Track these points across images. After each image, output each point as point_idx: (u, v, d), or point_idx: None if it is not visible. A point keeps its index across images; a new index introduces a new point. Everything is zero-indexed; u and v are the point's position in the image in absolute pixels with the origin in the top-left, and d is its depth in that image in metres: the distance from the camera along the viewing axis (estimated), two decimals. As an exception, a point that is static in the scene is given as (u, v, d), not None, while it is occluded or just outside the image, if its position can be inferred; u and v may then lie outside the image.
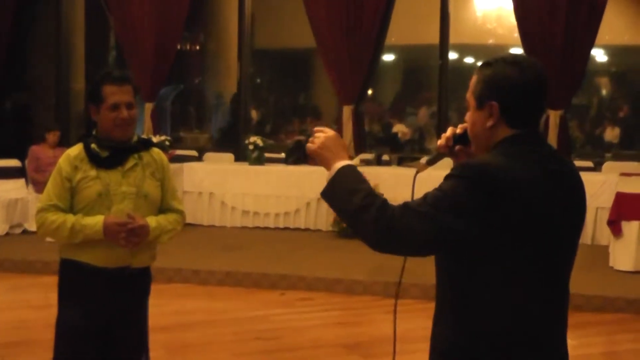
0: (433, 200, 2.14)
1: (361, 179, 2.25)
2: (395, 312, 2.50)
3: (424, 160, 2.49)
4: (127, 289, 3.51)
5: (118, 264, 3.46)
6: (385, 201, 2.17)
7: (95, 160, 3.47)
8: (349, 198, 2.20)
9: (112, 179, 3.46)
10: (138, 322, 3.64)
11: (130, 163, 3.51)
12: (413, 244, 2.16)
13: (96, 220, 3.38)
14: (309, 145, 2.37)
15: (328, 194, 2.28)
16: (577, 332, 6.21)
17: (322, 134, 2.37)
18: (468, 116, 2.36)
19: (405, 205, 2.15)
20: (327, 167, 2.31)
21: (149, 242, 3.51)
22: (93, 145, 3.49)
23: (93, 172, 3.45)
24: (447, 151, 2.47)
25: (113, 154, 3.49)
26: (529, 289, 2.21)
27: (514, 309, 2.19)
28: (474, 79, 2.33)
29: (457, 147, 2.46)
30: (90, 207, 3.43)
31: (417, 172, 2.42)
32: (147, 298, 3.70)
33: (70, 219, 3.40)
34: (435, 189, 2.17)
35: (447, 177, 2.19)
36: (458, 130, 2.44)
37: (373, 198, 2.18)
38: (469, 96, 2.34)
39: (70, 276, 3.51)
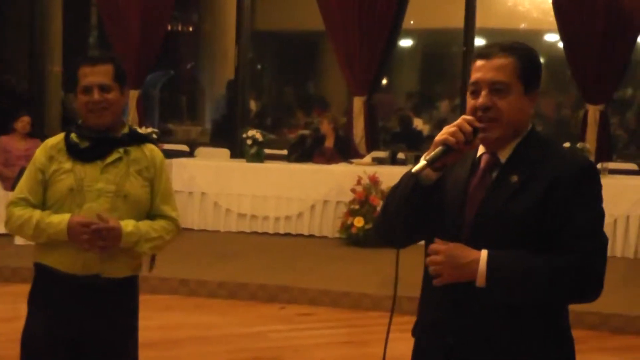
0: (599, 226, 2.42)
1: (517, 255, 2.38)
2: (387, 332, 2.52)
3: (423, 158, 2.42)
4: (98, 302, 3.39)
5: (86, 271, 3.36)
6: (554, 258, 2.36)
7: (72, 151, 3.42)
8: (531, 279, 2.36)
9: (87, 173, 3.39)
10: (117, 342, 3.49)
11: (112, 157, 3.43)
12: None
13: (61, 219, 3.31)
14: (440, 276, 2.45)
15: (505, 291, 2.39)
16: (623, 357, 6.19)
17: (438, 256, 2.43)
18: (503, 101, 2.42)
19: (590, 247, 2.37)
20: (470, 274, 2.39)
21: (127, 249, 3.40)
22: (73, 135, 3.45)
23: (68, 165, 3.40)
24: (463, 146, 2.42)
25: (94, 145, 3.43)
26: None
27: None
28: (508, 61, 2.43)
29: (477, 139, 2.46)
30: (60, 203, 3.38)
31: (415, 173, 2.38)
32: (131, 316, 3.55)
33: (36, 215, 3.36)
34: (590, 209, 2.41)
35: (589, 184, 2.42)
36: (477, 124, 2.44)
37: (542, 261, 2.35)
38: (511, 79, 2.43)
39: (39, 282, 3.47)
